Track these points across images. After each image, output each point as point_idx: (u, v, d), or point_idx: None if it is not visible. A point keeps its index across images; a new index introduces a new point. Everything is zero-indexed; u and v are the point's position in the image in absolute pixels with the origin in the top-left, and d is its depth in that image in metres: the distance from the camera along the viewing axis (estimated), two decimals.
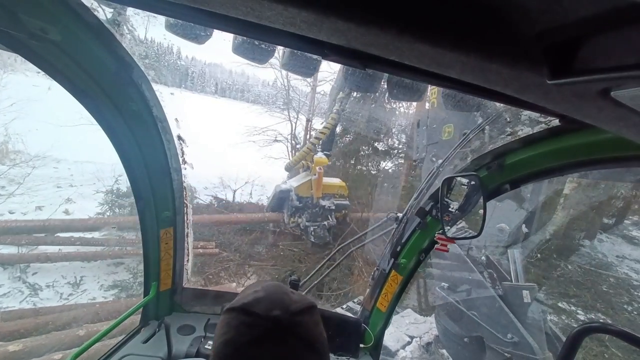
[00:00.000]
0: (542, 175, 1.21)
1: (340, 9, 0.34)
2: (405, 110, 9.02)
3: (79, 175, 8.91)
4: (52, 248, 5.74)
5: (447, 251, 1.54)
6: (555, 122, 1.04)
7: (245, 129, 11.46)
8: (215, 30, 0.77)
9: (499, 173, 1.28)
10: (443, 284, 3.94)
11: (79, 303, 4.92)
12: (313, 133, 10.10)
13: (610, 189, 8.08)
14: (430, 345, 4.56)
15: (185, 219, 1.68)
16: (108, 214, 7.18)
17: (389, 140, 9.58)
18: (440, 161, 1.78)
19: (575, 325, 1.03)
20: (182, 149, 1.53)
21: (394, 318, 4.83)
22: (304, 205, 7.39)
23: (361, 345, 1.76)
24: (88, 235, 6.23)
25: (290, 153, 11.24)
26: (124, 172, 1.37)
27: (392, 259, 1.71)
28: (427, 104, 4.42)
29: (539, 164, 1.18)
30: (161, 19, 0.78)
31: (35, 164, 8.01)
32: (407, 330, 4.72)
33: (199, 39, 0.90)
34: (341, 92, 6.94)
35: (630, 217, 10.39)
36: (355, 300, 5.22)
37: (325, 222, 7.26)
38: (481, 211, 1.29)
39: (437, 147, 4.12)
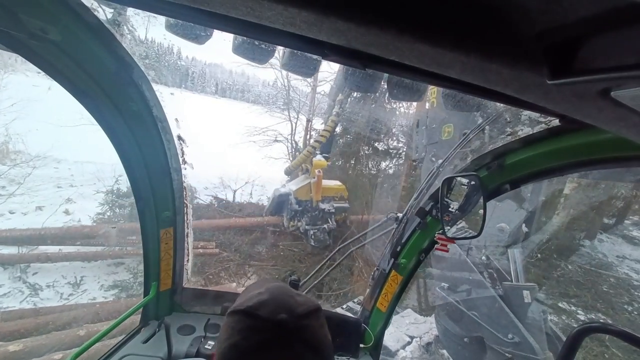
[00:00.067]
0: (542, 175, 1.21)
1: (340, 9, 0.34)
2: (405, 111, 9.02)
3: (79, 176, 8.92)
4: (53, 248, 5.74)
5: (447, 251, 1.54)
6: (555, 122, 1.04)
7: (246, 129, 11.45)
8: (215, 30, 0.77)
9: (499, 173, 1.28)
10: (443, 284, 3.93)
11: (79, 303, 4.93)
12: (313, 133, 10.10)
13: (610, 189, 8.07)
14: (430, 346, 4.56)
15: (185, 219, 1.68)
16: (108, 214, 7.19)
17: (389, 140, 9.57)
18: (440, 161, 1.79)
19: (576, 325, 1.03)
20: (182, 149, 1.54)
21: (394, 318, 4.83)
22: (304, 209, 7.33)
23: (361, 345, 1.76)
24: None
25: (290, 153, 11.23)
26: (124, 172, 1.37)
27: (392, 259, 1.71)
28: (426, 104, 4.41)
29: (539, 164, 1.18)
30: (161, 19, 0.78)
31: (35, 164, 8.02)
32: (407, 330, 4.72)
33: (199, 39, 0.89)
34: (340, 94, 6.90)
35: (630, 217, 10.39)
36: (355, 300, 5.22)
37: (325, 226, 7.23)
38: (481, 211, 1.29)
39: (437, 147, 4.11)
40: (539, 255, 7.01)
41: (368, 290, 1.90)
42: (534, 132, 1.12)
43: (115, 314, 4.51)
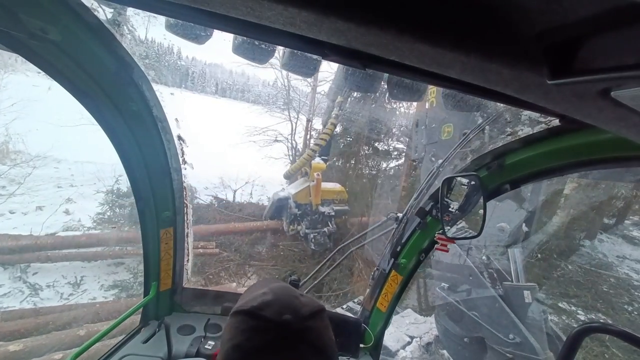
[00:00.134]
0: (542, 175, 1.21)
1: (340, 9, 0.34)
2: (405, 110, 9.02)
3: (79, 175, 8.93)
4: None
5: (447, 251, 1.54)
6: (555, 122, 1.04)
7: (246, 129, 11.45)
8: (215, 30, 0.77)
9: (499, 173, 1.28)
10: (443, 284, 3.93)
11: (79, 303, 4.93)
12: (313, 133, 10.09)
13: (610, 189, 8.07)
14: (430, 346, 4.56)
15: (185, 219, 1.68)
16: (108, 214, 7.20)
17: (389, 140, 9.57)
18: (440, 161, 1.79)
19: (576, 325, 1.03)
20: (182, 149, 1.54)
21: (394, 318, 4.83)
22: (303, 212, 7.26)
23: (361, 345, 1.76)
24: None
25: (290, 153, 11.23)
26: (124, 172, 1.37)
27: (392, 259, 1.71)
28: (426, 104, 4.41)
29: (539, 164, 1.18)
30: (161, 19, 0.78)
31: (35, 164, 8.03)
32: (407, 331, 4.72)
33: (199, 39, 0.89)
34: (340, 96, 6.83)
35: (630, 217, 10.38)
36: (355, 300, 5.23)
37: (325, 229, 7.14)
38: (481, 211, 1.29)
39: (437, 147, 4.11)
40: (539, 255, 7.01)
41: (368, 290, 1.90)
42: (534, 132, 1.12)
43: (115, 313, 4.51)
